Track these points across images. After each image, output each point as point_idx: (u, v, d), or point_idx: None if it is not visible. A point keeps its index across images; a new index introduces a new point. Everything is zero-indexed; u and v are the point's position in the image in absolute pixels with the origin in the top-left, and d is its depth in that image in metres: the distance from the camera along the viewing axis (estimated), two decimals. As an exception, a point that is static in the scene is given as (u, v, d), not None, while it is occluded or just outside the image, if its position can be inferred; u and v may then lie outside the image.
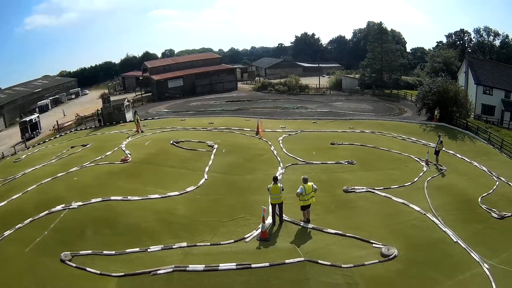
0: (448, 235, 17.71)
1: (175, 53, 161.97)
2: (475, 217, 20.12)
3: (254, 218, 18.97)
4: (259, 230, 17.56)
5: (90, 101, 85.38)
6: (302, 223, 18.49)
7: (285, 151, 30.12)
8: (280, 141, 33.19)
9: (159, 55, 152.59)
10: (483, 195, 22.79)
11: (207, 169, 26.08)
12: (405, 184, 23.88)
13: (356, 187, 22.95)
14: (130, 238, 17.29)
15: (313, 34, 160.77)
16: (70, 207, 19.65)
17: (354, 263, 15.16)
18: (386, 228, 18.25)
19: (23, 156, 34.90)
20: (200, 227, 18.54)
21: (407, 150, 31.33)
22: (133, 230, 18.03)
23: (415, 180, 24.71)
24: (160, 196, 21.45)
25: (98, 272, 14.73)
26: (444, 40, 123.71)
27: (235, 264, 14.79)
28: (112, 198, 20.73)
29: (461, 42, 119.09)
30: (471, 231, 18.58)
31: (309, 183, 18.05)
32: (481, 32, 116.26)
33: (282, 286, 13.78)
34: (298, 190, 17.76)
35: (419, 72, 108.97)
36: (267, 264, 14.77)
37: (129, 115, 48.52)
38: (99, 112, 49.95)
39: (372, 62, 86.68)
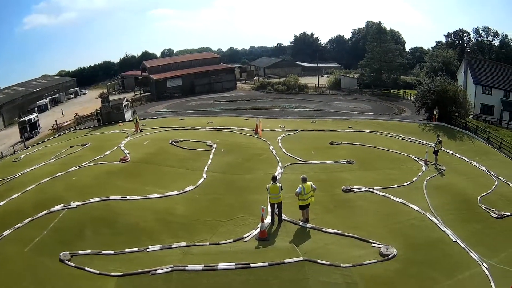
0: (447, 234, 17.73)
1: (174, 52, 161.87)
2: (474, 217, 20.13)
3: (253, 218, 18.97)
4: (258, 230, 17.53)
5: (89, 101, 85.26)
6: (301, 223, 18.50)
7: (284, 151, 30.14)
8: (279, 141, 33.21)
9: (158, 55, 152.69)
10: (482, 194, 22.81)
11: (206, 168, 26.08)
12: (404, 184, 23.90)
13: (355, 187, 22.95)
14: (129, 238, 17.27)
15: (312, 34, 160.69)
16: (69, 207, 19.63)
17: (353, 262, 15.15)
18: (385, 228, 18.26)
19: (22, 156, 34.85)
20: (199, 226, 18.54)
21: (406, 149, 31.36)
22: (132, 229, 18.02)
23: (414, 179, 24.73)
24: (159, 196, 21.43)
25: (97, 272, 14.72)
26: (443, 40, 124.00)
27: (234, 263, 14.78)
28: (111, 197, 20.71)
29: (460, 42, 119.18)
30: (470, 230, 18.60)
31: (308, 183, 18.03)
32: (480, 32, 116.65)
33: (281, 286, 13.76)
34: (297, 190, 17.73)
35: (418, 71, 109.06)
36: (266, 263, 14.75)
37: (128, 115, 48.56)
38: (98, 111, 49.86)
39: (371, 62, 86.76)
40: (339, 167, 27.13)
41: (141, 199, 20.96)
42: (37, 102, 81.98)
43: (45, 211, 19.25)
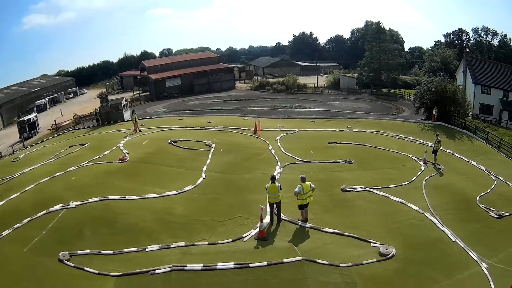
0: (446, 234, 17.75)
1: (173, 52, 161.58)
2: (473, 216, 20.15)
3: (252, 218, 18.97)
4: (257, 230, 17.54)
5: (88, 100, 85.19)
6: (300, 222, 18.50)
7: (283, 150, 30.13)
8: (278, 140, 33.18)
9: (157, 54, 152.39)
10: (481, 194, 22.85)
11: (205, 168, 26.06)
12: (403, 183, 23.91)
13: (354, 186, 22.96)
14: (128, 238, 17.26)
15: (311, 33, 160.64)
16: (68, 206, 19.60)
17: (352, 262, 15.16)
18: (384, 227, 18.27)
19: (21, 156, 34.77)
20: (198, 226, 18.54)
21: (405, 149, 31.37)
22: (131, 229, 18.00)
23: (413, 179, 24.74)
24: (158, 196, 21.42)
25: (96, 271, 14.72)
26: (442, 40, 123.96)
27: (233, 263, 14.78)
28: (110, 197, 20.68)
29: (459, 41, 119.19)
30: (469, 230, 18.62)
31: (307, 182, 18.04)
32: (480, 31, 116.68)
33: (280, 286, 13.77)
34: (296, 189, 17.74)
35: (417, 71, 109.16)
36: (265, 263, 14.76)
37: (127, 114, 48.49)
38: (97, 111, 49.74)
39: (370, 61, 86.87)
40: (338, 166, 27.13)
41: (140, 199, 20.93)
42: (36, 102, 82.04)
43: (44, 211, 19.22)
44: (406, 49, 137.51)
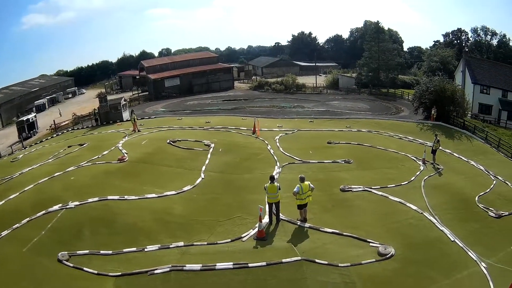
0: (445, 234, 17.75)
1: (172, 52, 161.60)
2: (472, 216, 20.16)
3: (251, 217, 18.96)
4: (256, 229, 17.56)
5: (87, 100, 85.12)
6: (299, 222, 18.50)
7: (282, 150, 30.13)
8: (277, 140, 33.17)
9: (156, 54, 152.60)
10: (480, 194, 22.86)
11: (203, 168, 26.05)
12: (402, 183, 23.91)
13: (353, 186, 22.97)
14: (127, 238, 17.25)
15: (310, 33, 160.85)
16: (67, 206, 19.58)
17: (351, 262, 15.16)
18: (383, 227, 18.27)
19: (20, 156, 34.73)
20: (197, 226, 18.53)
21: (404, 149, 31.38)
22: (130, 229, 17.99)
23: (412, 179, 24.75)
24: (157, 196, 21.41)
25: (95, 272, 14.70)
26: (441, 39, 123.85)
27: (232, 263, 14.77)
28: (109, 197, 20.66)
29: (458, 41, 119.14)
30: (468, 230, 18.63)
31: (306, 182, 18.04)
32: (479, 31, 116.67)
33: (279, 286, 13.76)
34: (295, 189, 17.75)
35: (416, 71, 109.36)
36: (264, 263, 14.74)
37: (126, 114, 48.44)
38: (96, 111, 49.74)
39: (369, 61, 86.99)
40: (337, 166, 27.14)
41: (139, 199, 20.92)
42: (35, 102, 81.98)
43: (43, 211, 19.21)
44: (405, 49, 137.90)
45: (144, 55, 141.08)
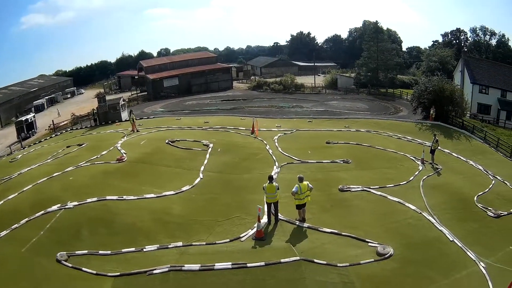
0: (444, 234, 17.76)
1: (171, 52, 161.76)
2: (471, 216, 20.17)
3: (249, 217, 18.97)
4: (255, 229, 17.56)
5: (86, 101, 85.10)
6: (297, 222, 18.50)
7: (281, 150, 30.12)
8: (276, 140, 33.17)
9: (155, 54, 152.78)
10: (479, 194, 22.86)
11: (202, 168, 26.04)
12: (401, 183, 23.91)
13: (351, 186, 22.97)
14: (126, 238, 17.25)
15: (309, 33, 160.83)
16: (66, 207, 19.56)
17: (349, 262, 15.16)
18: (382, 227, 18.28)
19: (19, 156, 34.72)
20: (196, 226, 18.53)
21: (402, 149, 31.38)
22: (128, 229, 17.99)
23: (410, 179, 24.75)
24: (155, 196, 21.40)
25: (94, 272, 14.68)
26: (440, 39, 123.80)
27: (230, 263, 14.75)
28: (108, 197, 20.64)
29: (457, 41, 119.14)
30: (467, 229, 18.64)
31: (305, 182, 18.05)
32: (477, 31, 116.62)
33: (277, 285, 13.76)
34: (294, 189, 17.76)
35: (414, 71, 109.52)
36: (262, 263, 14.74)
37: (124, 115, 48.41)
38: (94, 111, 49.70)
39: (367, 61, 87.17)
40: (335, 166, 27.14)
41: (137, 199, 20.92)
42: (34, 102, 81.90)
43: (42, 211, 19.19)
44: (404, 48, 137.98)
45: (143, 55, 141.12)
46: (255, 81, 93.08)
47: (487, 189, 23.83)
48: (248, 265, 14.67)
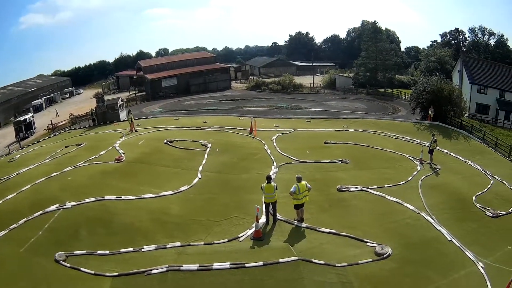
0: (442, 233, 17.77)
1: (169, 52, 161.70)
2: (469, 216, 20.16)
3: (247, 217, 18.97)
4: (253, 229, 17.56)
5: (84, 101, 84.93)
6: (295, 222, 18.50)
7: (279, 150, 30.13)
8: (274, 140, 33.19)
9: (153, 54, 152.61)
10: (478, 193, 22.86)
11: (200, 168, 26.07)
12: (399, 183, 23.93)
13: (350, 186, 22.99)
14: (124, 238, 17.25)
15: (307, 33, 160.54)
16: (64, 207, 19.58)
17: (348, 262, 15.17)
18: (380, 227, 18.29)
19: (18, 156, 34.71)
20: (194, 226, 18.53)
21: (401, 149, 31.40)
22: (127, 229, 17.99)
23: (409, 179, 24.76)
24: (154, 196, 21.41)
25: (93, 272, 14.67)
26: (439, 39, 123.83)
27: (229, 263, 14.77)
28: (106, 197, 20.67)
29: (456, 41, 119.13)
30: (466, 229, 18.64)
31: (303, 182, 18.06)
32: (476, 31, 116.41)
33: (276, 286, 13.76)
34: (292, 189, 17.76)
35: (413, 71, 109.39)
36: (261, 263, 14.75)
37: (123, 115, 48.39)
38: (93, 111, 49.73)
39: (366, 61, 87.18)
40: (334, 166, 27.15)
41: (136, 199, 20.93)
42: (33, 102, 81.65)
43: (41, 212, 19.20)
44: (402, 48, 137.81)
45: (142, 55, 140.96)
46: (254, 81, 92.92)
47: (486, 189, 23.82)
48: (246, 265, 14.69)
